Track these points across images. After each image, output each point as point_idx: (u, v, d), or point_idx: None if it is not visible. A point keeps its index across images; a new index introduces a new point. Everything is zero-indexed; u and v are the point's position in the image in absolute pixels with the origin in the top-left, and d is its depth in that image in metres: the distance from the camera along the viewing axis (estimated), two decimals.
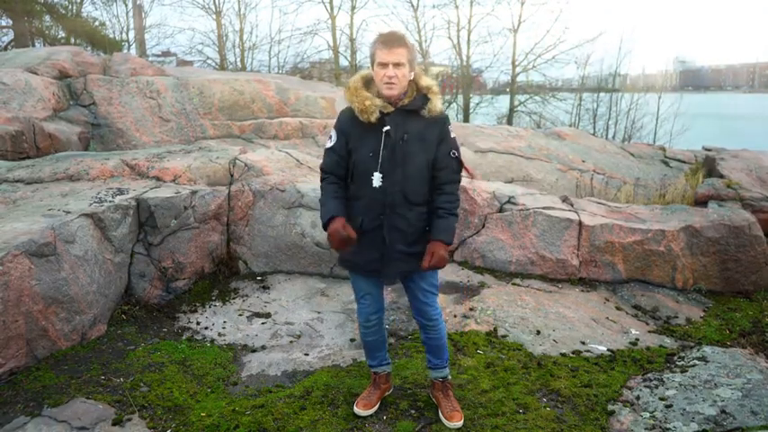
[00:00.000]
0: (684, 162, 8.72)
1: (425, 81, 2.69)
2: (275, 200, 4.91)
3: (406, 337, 3.88)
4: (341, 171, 2.70)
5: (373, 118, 2.58)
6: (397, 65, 2.54)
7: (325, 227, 2.65)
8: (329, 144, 2.73)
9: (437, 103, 2.66)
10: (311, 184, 5.05)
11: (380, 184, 2.62)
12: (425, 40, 20.30)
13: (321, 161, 2.78)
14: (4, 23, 18.30)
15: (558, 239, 4.79)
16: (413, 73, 2.65)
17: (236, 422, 2.84)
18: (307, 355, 3.70)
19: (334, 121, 2.79)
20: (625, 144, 10.93)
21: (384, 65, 2.55)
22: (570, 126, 17.38)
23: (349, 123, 2.67)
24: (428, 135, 2.66)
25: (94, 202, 4.14)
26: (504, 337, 3.77)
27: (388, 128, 2.60)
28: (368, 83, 2.69)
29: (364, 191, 2.66)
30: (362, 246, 2.68)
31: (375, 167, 2.61)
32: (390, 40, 2.56)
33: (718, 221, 4.74)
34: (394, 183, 2.62)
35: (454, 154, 2.71)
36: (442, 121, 2.71)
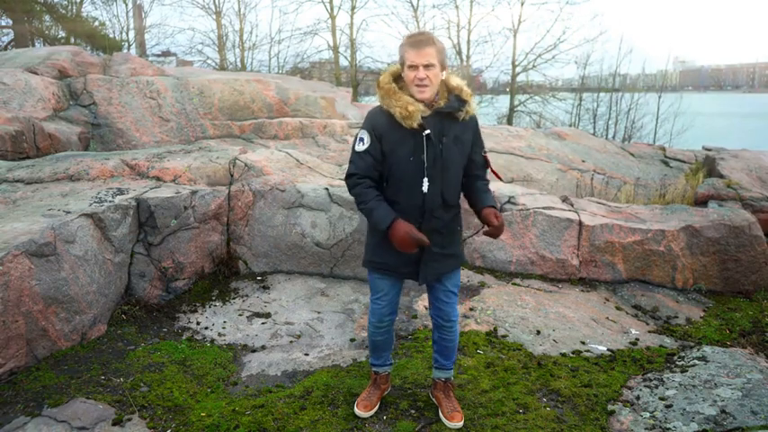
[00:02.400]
0: (684, 162, 8.72)
1: (455, 81, 2.62)
2: (275, 200, 4.91)
3: (407, 337, 3.88)
4: (375, 174, 2.61)
5: (416, 124, 2.51)
6: (427, 66, 2.47)
7: (385, 231, 2.54)
8: (361, 147, 2.59)
9: (474, 106, 2.62)
10: (311, 184, 5.05)
11: (428, 189, 2.57)
12: None
13: (351, 165, 2.63)
14: (4, 23, 18.34)
15: (558, 239, 4.79)
16: (444, 73, 2.58)
17: (236, 422, 2.84)
18: (307, 355, 3.70)
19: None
20: (625, 144, 10.92)
21: (414, 67, 2.47)
22: (570, 126, 17.40)
23: (384, 125, 2.57)
24: (464, 137, 2.64)
25: (94, 202, 4.14)
26: (504, 337, 3.77)
27: (428, 132, 2.53)
28: (397, 81, 2.61)
29: (403, 195, 2.59)
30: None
31: (418, 172, 2.56)
32: (419, 41, 2.48)
33: (718, 221, 4.74)
34: (436, 186, 2.59)
35: (484, 152, 2.76)
36: (474, 121, 2.69)
